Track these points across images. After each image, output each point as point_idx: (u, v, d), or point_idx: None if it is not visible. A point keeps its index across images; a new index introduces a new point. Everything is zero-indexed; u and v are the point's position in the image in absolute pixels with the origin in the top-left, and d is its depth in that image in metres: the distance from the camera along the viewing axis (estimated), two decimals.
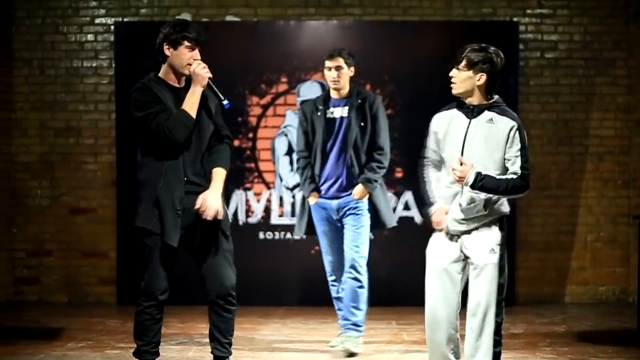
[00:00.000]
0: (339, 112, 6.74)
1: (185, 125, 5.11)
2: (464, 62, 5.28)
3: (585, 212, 9.47)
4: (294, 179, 9.08)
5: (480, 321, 4.94)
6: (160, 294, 5.29)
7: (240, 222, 9.20)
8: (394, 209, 9.17)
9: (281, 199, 9.23)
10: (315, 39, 9.26)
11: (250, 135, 9.27)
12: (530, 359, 6.51)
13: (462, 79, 5.23)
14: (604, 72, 9.47)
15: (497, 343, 4.99)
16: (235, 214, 9.19)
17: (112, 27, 9.41)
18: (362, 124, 6.68)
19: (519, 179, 5.08)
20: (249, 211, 9.22)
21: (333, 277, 6.82)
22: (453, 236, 5.07)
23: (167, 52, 5.20)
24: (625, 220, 9.42)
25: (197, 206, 5.16)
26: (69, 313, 8.66)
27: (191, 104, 5.15)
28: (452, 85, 5.22)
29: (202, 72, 5.18)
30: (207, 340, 7.14)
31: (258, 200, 9.23)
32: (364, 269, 6.65)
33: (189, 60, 5.17)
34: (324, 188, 6.73)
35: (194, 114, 5.15)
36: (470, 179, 4.90)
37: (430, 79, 9.13)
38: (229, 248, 5.40)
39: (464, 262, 5.05)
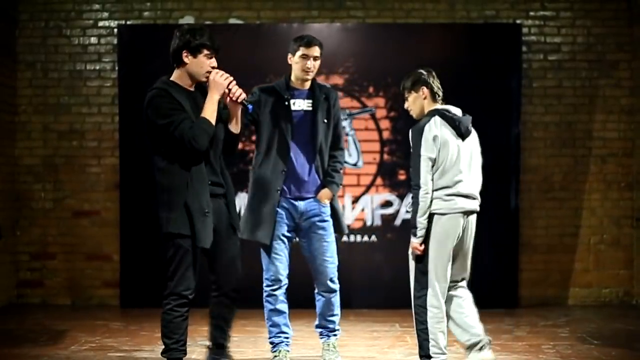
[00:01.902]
0: (301, 104, 6.21)
1: (208, 133, 5.23)
2: (406, 92, 5.96)
3: (589, 215, 9.47)
4: None
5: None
6: (190, 294, 5.39)
7: None
8: (397, 212, 9.18)
9: None
10: None
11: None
12: None
13: (412, 102, 5.95)
14: (608, 74, 9.47)
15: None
16: (238, 217, 9.18)
17: (116, 29, 9.42)
18: (325, 120, 6.21)
19: (413, 190, 5.75)
20: None
21: (276, 286, 6.30)
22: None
23: (185, 59, 5.31)
24: (628, 222, 9.41)
25: None
26: (72, 316, 8.67)
27: (211, 112, 5.26)
28: (411, 112, 5.97)
29: (220, 79, 5.31)
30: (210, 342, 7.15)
31: None
32: (336, 276, 6.34)
33: (208, 68, 5.31)
34: (286, 187, 6.16)
35: (214, 122, 5.27)
36: (417, 236, 5.77)
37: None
38: (239, 244, 5.61)
39: None
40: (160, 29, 9.35)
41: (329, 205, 6.23)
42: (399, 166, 9.19)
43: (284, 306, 6.34)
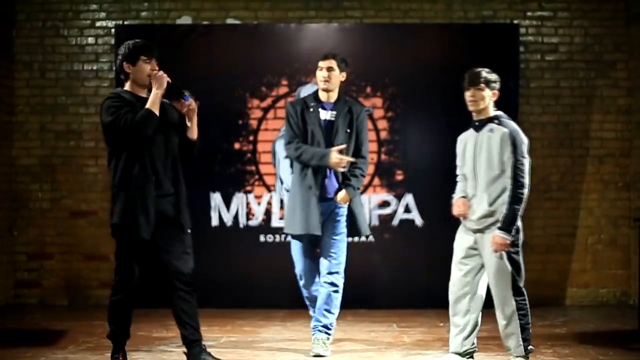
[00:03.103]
0: (325, 114, 6.82)
1: (150, 120, 5.70)
2: (482, 84, 6.01)
3: (586, 215, 9.48)
4: None
5: (500, 312, 5.93)
6: (133, 284, 5.99)
7: (241, 225, 9.20)
8: (395, 212, 9.18)
9: (282, 201, 9.22)
10: (316, 41, 9.26)
11: (251, 138, 9.27)
12: None
13: (482, 97, 6.00)
14: (605, 74, 9.47)
15: (522, 317, 5.95)
16: (236, 217, 9.20)
17: (113, 30, 9.42)
18: (347, 130, 6.79)
19: (516, 191, 5.89)
20: (249, 214, 9.22)
21: (303, 282, 6.92)
22: (467, 229, 6.00)
23: (127, 70, 5.86)
24: (626, 222, 9.42)
25: None
26: (69, 316, 8.66)
27: (152, 104, 5.74)
28: (473, 103, 6.02)
29: (161, 75, 5.83)
30: (208, 343, 7.15)
31: (259, 203, 9.24)
32: (340, 275, 6.80)
33: (148, 71, 5.84)
34: (317, 189, 6.74)
35: (156, 112, 5.73)
36: (507, 237, 5.80)
37: (431, 81, 9.16)
38: (189, 243, 6.07)
39: (477, 255, 5.99)
40: (158, 29, 9.35)
41: (345, 207, 6.75)
42: (396, 166, 9.19)
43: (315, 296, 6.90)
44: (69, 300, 9.44)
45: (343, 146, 6.70)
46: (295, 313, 8.64)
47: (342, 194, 6.72)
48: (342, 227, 6.77)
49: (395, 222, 9.21)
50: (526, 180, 5.89)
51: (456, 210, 6.05)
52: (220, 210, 9.18)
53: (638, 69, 9.39)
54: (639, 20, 9.38)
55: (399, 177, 9.17)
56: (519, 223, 5.91)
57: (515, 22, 9.40)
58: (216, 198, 9.18)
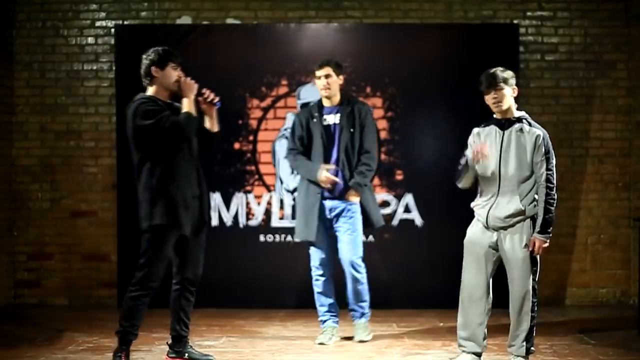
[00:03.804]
0: (331, 119, 7.23)
1: (194, 122, 5.96)
2: (501, 83, 5.93)
3: (586, 215, 9.48)
4: (294, 181, 9.09)
5: (518, 309, 5.94)
6: (157, 285, 6.07)
7: (241, 225, 9.20)
8: (395, 212, 9.19)
9: (282, 201, 9.23)
10: (315, 41, 9.26)
11: (251, 138, 9.27)
12: None
13: (504, 96, 5.94)
14: (605, 74, 9.47)
15: (533, 319, 5.93)
16: (235, 217, 9.20)
17: (113, 30, 9.42)
18: (351, 129, 7.19)
19: (550, 192, 5.90)
20: (249, 214, 9.22)
21: (320, 272, 7.32)
22: (489, 227, 5.98)
23: (155, 74, 6.06)
24: (625, 222, 9.42)
25: None
26: (69, 316, 8.66)
27: (189, 108, 5.98)
28: (498, 104, 5.95)
29: (191, 82, 6.08)
30: (208, 342, 7.17)
31: (258, 203, 9.24)
32: (362, 267, 7.27)
33: (175, 77, 6.06)
34: (320, 189, 7.21)
35: (195, 114, 6.00)
36: (546, 240, 5.86)
37: (431, 81, 9.16)
38: (204, 242, 6.27)
39: (496, 252, 5.99)
40: (158, 29, 9.35)
41: (357, 202, 7.19)
42: (396, 166, 9.19)
43: (328, 290, 7.35)
44: (68, 301, 9.44)
45: (332, 166, 7.16)
46: (295, 313, 8.64)
47: (348, 193, 7.17)
48: (358, 222, 7.22)
49: (395, 222, 9.21)
50: (555, 181, 5.93)
51: (479, 150, 5.99)
52: (220, 210, 9.18)
53: (638, 69, 9.39)
54: (639, 20, 9.38)
55: (399, 177, 9.17)
56: None
57: (515, 22, 9.41)
58: (216, 198, 9.18)
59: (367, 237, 8.99)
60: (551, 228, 5.88)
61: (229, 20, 9.46)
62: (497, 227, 5.96)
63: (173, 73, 6.07)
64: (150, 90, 6.09)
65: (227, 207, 9.23)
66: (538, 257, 5.95)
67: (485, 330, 6.11)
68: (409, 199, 9.22)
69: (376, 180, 9.20)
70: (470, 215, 6.15)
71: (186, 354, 6.29)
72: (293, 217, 9.04)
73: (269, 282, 9.02)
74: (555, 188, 5.89)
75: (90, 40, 9.53)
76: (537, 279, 5.97)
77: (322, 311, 7.38)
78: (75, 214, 9.48)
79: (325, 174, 7.10)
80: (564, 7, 9.49)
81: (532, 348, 6.02)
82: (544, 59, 9.48)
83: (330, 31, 9.34)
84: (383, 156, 9.14)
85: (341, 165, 7.19)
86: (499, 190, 5.94)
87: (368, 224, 7.32)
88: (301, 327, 8.02)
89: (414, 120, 9.19)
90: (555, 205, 5.90)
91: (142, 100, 5.98)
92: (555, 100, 9.49)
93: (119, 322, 6.05)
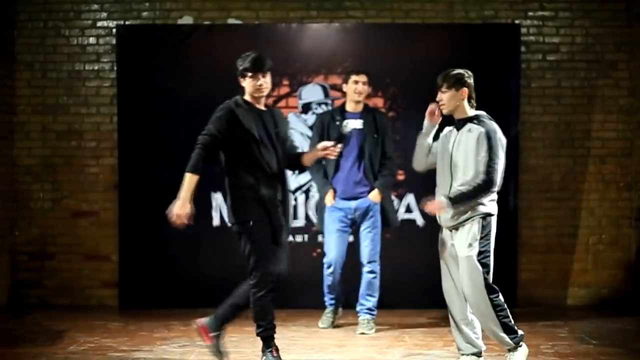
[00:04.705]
0: (354, 124, 7.58)
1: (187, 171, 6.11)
2: (443, 86, 6.03)
3: (587, 215, 9.47)
4: (296, 181, 9.10)
5: (475, 310, 5.94)
6: (274, 278, 6.08)
7: None
8: (397, 211, 9.19)
9: None
10: (317, 41, 9.26)
11: None
12: None
13: (448, 98, 6.01)
14: (606, 74, 9.47)
15: (503, 316, 5.89)
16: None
17: (114, 30, 9.42)
18: (375, 135, 7.78)
19: (480, 184, 5.87)
20: None
21: (332, 269, 7.80)
22: (445, 227, 6.08)
23: (242, 83, 6.25)
24: (627, 222, 9.42)
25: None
26: (70, 316, 8.66)
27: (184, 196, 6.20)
28: (442, 105, 6.06)
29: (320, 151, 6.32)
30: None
31: None
32: (377, 262, 7.86)
33: (256, 86, 6.18)
34: (340, 191, 7.79)
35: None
36: (445, 204, 5.89)
37: (432, 81, 9.03)
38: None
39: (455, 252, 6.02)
40: (159, 29, 9.35)
41: (378, 203, 7.76)
42: (398, 166, 9.17)
43: (338, 281, 7.91)
44: (70, 301, 9.44)
45: (330, 201, 7.79)
46: (297, 313, 8.65)
47: (373, 193, 7.75)
48: (377, 221, 7.79)
49: None
50: (496, 178, 5.87)
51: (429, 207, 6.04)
52: (222, 210, 9.17)
53: (639, 69, 9.39)
54: None
55: (400, 177, 9.16)
56: (493, 230, 5.99)
57: (517, 22, 9.40)
58: (217, 198, 9.18)
59: None
60: (460, 205, 5.85)
61: (231, 21, 9.46)
62: (449, 226, 6.01)
63: (250, 83, 6.20)
64: (246, 94, 6.29)
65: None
66: (486, 260, 5.90)
67: (476, 329, 6.08)
68: (410, 199, 9.22)
69: None
70: None
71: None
72: (295, 217, 9.08)
73: None
74: (492, 182, 5.84)
75: (92, 40, 9.53)
76: (489, 277, 5.91)
77: (328, 297, 8.00)
78: (77, 214, 9.48)
79: (329, 197, 7.82)
80: (565, 7, 9.49)
81: (519, 335, 5.96)
82: (546, 59, 9.48)
83: (331, 31, 9.34)
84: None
85: (365, 168, 7.76)
86: (449, 190, 5.96)
87: (385, 224, 7.87)
88: (302, 327, 8.02)
89: (416, 120, 9.13)
90: (480, 194, 5.85)
91: (223, 106, 6.19)
92: (557, 100, 9.48)
93: (256, 324, 6.13)
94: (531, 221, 9.43)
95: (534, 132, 9.44)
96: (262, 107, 6.25)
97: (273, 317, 6.13)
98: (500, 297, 5.93)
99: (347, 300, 8.25)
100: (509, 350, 6.00)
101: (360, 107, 7.87)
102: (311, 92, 9.19)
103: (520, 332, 6.00)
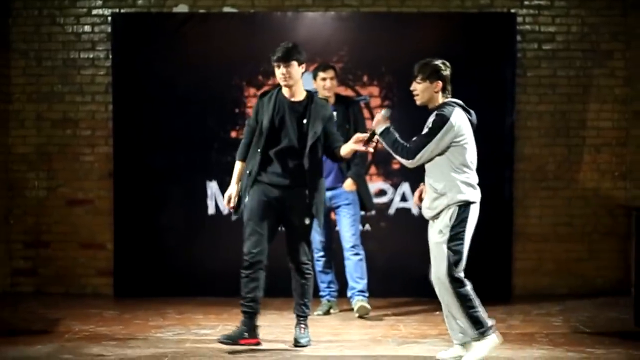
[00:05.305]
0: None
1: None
2: (417, 77, 6.09)
3: (583, 204, 9.47)
4: None
5: (440, 297, 6.00)
6: (251, 257, 6.78)
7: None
8: (391, 200, 9.19)
9: None
10: (312, 30, 9.25)
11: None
12: (527, 350, 6.52)
13: (421, 89, 6.08)
14: (602, 63, 9.46)
15: (469, 307, 5.87)
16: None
17: (109, 18, 9.39)
18: (347, 126, 7.83)
19: (408, 147, 6.00)
20: None
21: (322, 253, 8.09)
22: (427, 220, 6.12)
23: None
24: (622, 211, 9.42)
25: None
26: (66, 304, 8.66)
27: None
28: (415, 96, 6.14)
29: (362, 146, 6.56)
30: (204, 331, 7.19)
31: None
32: (361, 246, 8.07)
33: (279, 76, 6.52)
34: None
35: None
36: (379, 129, 6.14)
37: None
38: (309, 228, 6.71)
39: None
40: (154, 18, 9.33)
41: (353, 191, 7.99)
42: (392, 155, 9.16)
43: (327, 268, 8.16)
44: (65, 289, 9.43)
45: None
46: (291, 301, 8.63)
47: (347, 183, 7.97)
48: (355, 207, 8.03)
49: (391, 210, 9.22)
50: (419, 154, 5.93)
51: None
52: (217, 199, 9.17)
53: (635, 58, 9.38)
54: (636, 9, 9.37)
55: (395, 166, 9.16)
56: (472, 218, 5.93)
57: (512, 11, 9.39)
58: (212, 187, 9.17)
59: (363, 226, 9.01)
60: (384, 140, 6.13)
61: (226, 9, 9.44)
62: (430, 217, 6.05)
63: (277, 73, 6.55)
64: None
65: (224, 195, 9.20)
66: (459, 247, 5.88)
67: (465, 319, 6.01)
68: (405, 187, 9.21)
69: (372, 169, 9.21)
70: None
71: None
72: None
73: (265, 270, 8.99)
74: (410, 154, 5.96)
75: (87, 28, 9.50)
76: (456, 268, 5.88)
77: (322, 287, 8.16)
78: (72, 202, 9.47)
79: None
80: None
81: (483, 329, 5.88)
82: (541, 48, 9.47)
83: (327, 20, 9.33)
84: (380, 145, 9.14)
85: None
86: (424, 180, 6.06)
87: (362, 209, 8.13)
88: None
89: (411, 108, 9.14)
90: (395, 152, 6.06)
91: (260, 95, 6.70)
92: (552, 90, 9.48)
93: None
94: (526, 210, 9.43)
95: (529, 121, 9.43)
96: (295, 97, 6.56)
97: (248, 295, 6.66)
98: (467, 287, 5.88)
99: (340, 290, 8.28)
100: (473, 340, 5.93)
101: (332, 100, 7.91)
102: (306, 81, 9.12)
103: (489, 323, 5.90)
